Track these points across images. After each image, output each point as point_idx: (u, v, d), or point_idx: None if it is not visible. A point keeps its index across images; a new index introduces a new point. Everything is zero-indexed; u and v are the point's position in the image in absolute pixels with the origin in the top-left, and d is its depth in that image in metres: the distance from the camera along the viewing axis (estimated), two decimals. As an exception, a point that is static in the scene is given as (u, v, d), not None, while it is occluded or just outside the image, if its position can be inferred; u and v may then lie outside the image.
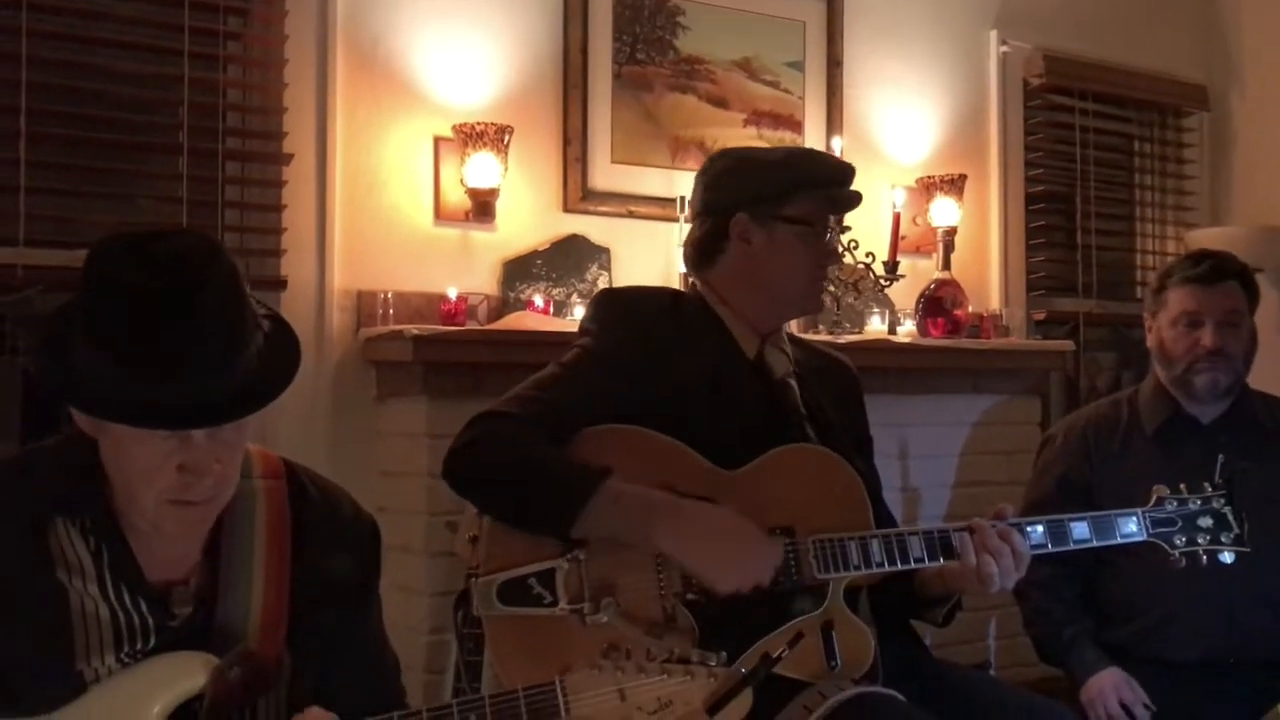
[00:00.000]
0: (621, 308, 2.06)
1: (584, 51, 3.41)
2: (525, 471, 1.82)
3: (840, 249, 2.14)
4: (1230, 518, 1.99)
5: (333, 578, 1.52)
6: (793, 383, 2.06)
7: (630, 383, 1.93)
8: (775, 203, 2.04)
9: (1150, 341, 2.59)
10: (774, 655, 1.49)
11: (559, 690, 1.41)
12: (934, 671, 2.03)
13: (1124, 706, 2.37)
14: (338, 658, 1.53)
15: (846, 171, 2.14)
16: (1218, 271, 2.50)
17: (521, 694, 1.41)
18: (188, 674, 1.38)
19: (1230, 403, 2.54)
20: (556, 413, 1.89)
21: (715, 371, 1.99)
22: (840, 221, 2.16)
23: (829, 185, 2.08)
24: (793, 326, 3.47)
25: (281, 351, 1.41)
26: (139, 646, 1.41)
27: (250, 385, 1.35)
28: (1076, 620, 2.51)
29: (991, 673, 3.40)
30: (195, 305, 1.31)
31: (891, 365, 3.46)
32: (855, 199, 2.12)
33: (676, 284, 3.27)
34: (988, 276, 4.17)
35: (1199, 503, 2.00)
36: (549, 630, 1.79)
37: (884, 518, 2.05)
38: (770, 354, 2.07)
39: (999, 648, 3.69)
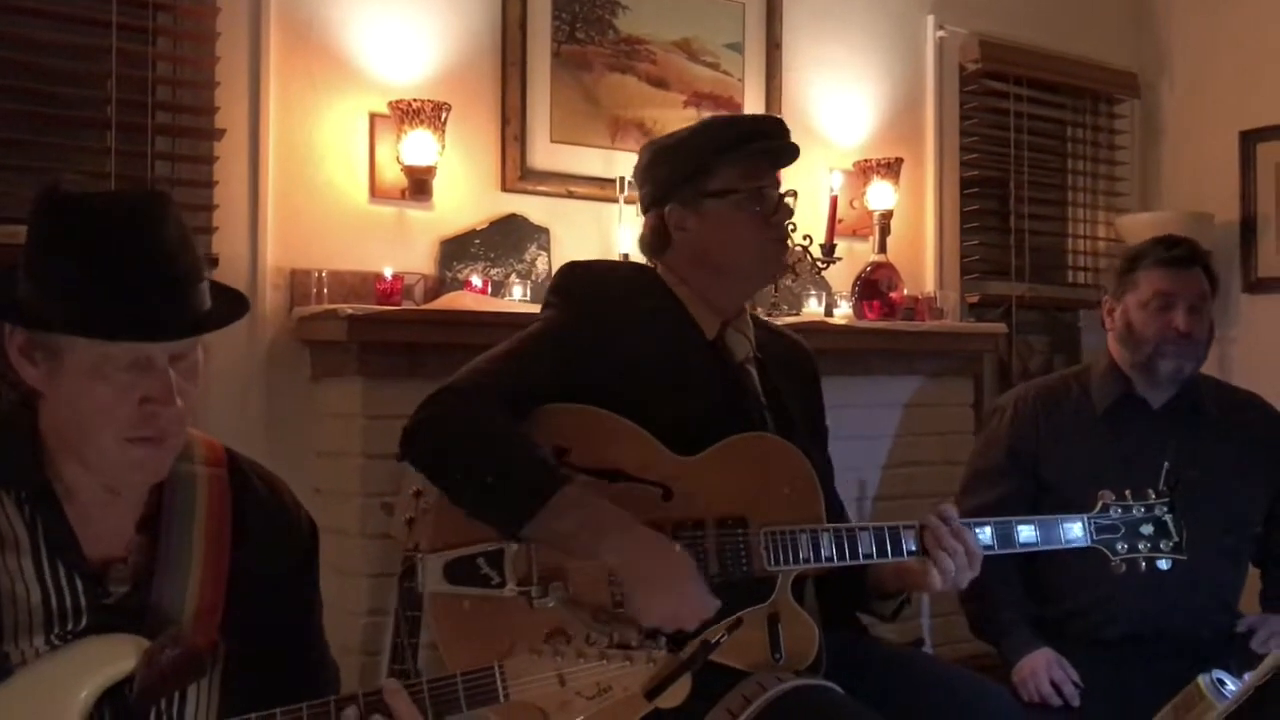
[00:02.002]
0: (587, 282, 2.04)
1: (523, 29, 3.37)
2: (483, 465, 1.78)
3: (785, 200, 2.06)
4: (1171, 525, 2.01)
5: (272, 570, 1.51)
6: (752, 368, 2.05)
7: (591, 360, 1.91)
8: (696, 182, 2.01)
9: (1111, 324, 2.59)
10: (713, 640, 1.49)
11: (498, 674, 1.40)
12: (869, 649, 2.05)
13: (1054, 685, 2.41)
14: (274, 654, 1.51)
15: (764, 125, 2.10)
16: (1191, 256, 2.53)
17: (460, 678, 1.40)
18: (118, 656, 1.36)
19: (1179, 387, 2.57)
20: (517, 388, 1.86)
21: (674, 353, 1.97)
22: (775, 172, 2.08)
23: (746, 143, 2.02)
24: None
25: (226, 290, 1.48)
26: (70, 627, 1.38)
27: (212, 308, 1.41)
28: (1014, 603, 2.54)
29: (926, 649, 3.45)
30: (160, 228, 1.36)
31: (827, 347, 3.46)
32: (781, 148, 2.07)
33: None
34: (923, 260, 4.21)
35: (1143, 510, 2.02)
36: (494, 611, 1.78)
37: (835, 506, 2.06)
38: (731, 337, 2.05)
39: (933, 625, 3.74)
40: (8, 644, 1.35)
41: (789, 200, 2.07)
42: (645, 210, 2.10)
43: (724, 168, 2.00)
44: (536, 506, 1.73)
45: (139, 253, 1.34)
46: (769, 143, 2.05)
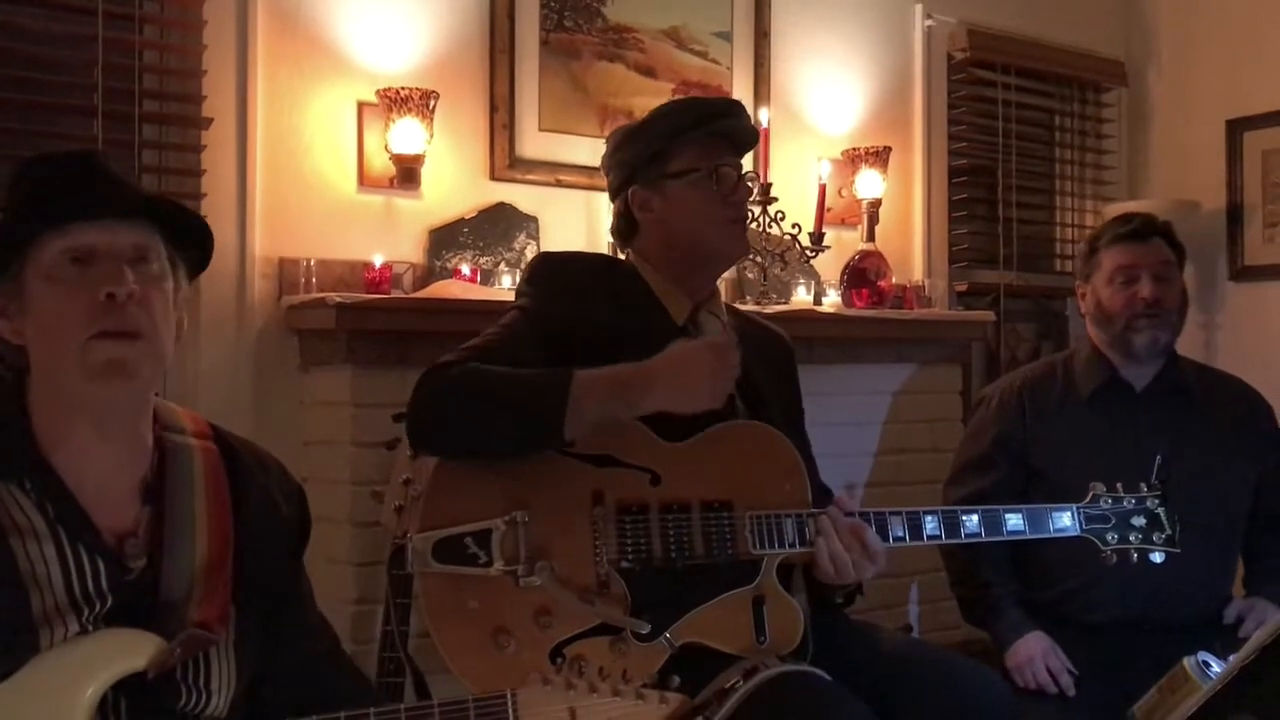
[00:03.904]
0: (558, 269, 2.08)
1: (511, 17, 3.37)
2: (497, 398, 1.82)
3: (744, 180, 2.10)
4: (1164, 518, 2.03)
5: (270, 533, 1.53)
6: None
7: (566, 344, 1.93)
8: (657, 163, 2.05)
9: (1085, 307, 2.63)
10: (727, 687, 1.50)
11: (509, 703, 1.40)
12: (858, 635, 2.06)
13: (1050, 673, 2.42)
14: (282, 611, 1.55)
15: (722, 106, 2.13)
16: (1147, 228, 2.57)
17: (471, 703, 1.40)
18: (127, 652, 1.36)
19: (1161, 367, 2.59)
20: (504, 362, 1.88)
21: (644, 337, 1.98)
22: (737, 154, 2.11)
23: (704, 124, 2.05)
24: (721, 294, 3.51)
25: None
26: (98, 609, 1.38)
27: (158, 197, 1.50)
28: (1003, 583, 2.56)
29: (914, 636, 3.46)
30: (98, 155, 1.50)
31: (816, 335, 3.49)
32: (739, 128, 2.10)
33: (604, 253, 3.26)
34: (911, 248, 4.22)
35: (1134, 501, 2.04)
36: (482, 590, 1.79)
37: (818, 489, 2.07)
38: (704, 319, 2.07)
39: (921, 612, 3.75)
40: (41, 631, 1.34)
41: (749, 183, 2.09)
42: (613, 196, 2.14)
43: (683, 148, 2.04)
44: (563, 405, 1.78)
45: (85, 159, 1.47)
46: (726, 122, 2.08)
